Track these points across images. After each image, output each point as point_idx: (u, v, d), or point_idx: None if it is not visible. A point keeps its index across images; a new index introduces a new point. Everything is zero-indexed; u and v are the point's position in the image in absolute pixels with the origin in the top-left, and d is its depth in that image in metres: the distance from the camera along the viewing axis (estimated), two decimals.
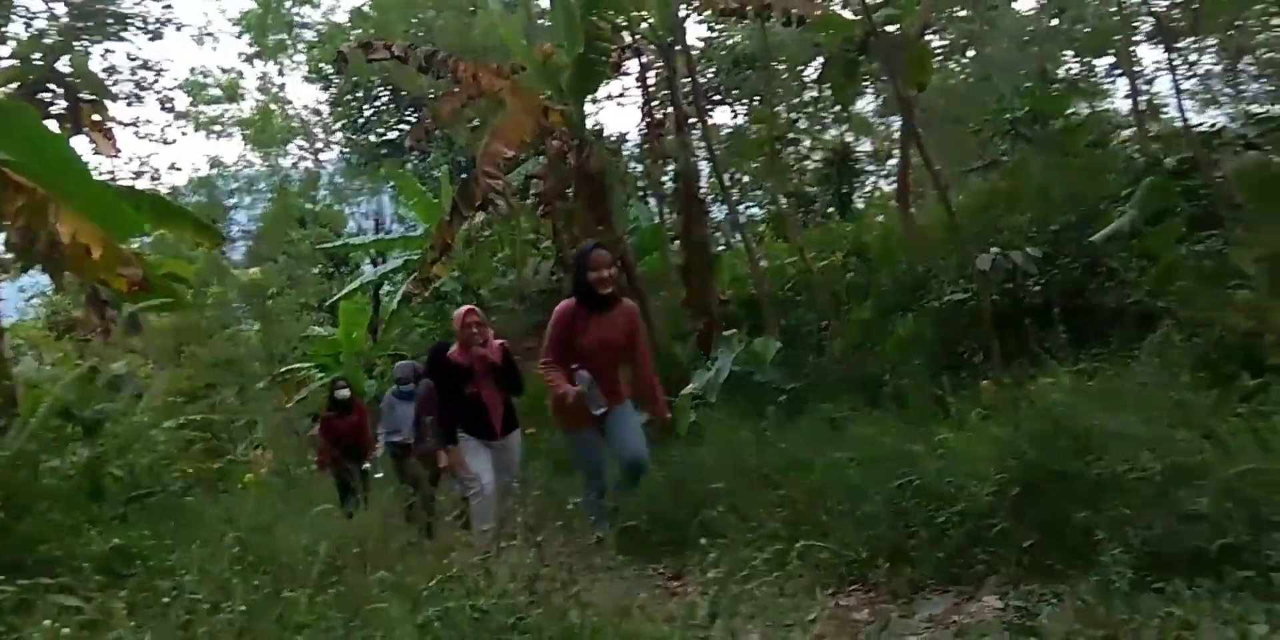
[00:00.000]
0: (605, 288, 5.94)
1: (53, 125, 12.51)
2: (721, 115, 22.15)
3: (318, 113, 32.94)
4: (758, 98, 20.11)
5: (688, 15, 13.77)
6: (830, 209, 19.89)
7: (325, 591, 3.41)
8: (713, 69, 20.39)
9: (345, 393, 11.35)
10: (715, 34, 21.16)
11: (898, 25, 11.29)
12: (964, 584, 4.16)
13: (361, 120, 27.91)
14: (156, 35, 23.61)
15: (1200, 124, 9.74)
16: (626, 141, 19.91)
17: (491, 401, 6.80)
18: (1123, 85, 20.58)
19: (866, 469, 5.02)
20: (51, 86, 13.82)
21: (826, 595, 4.26)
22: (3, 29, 19.81)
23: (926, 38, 13.96)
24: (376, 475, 10.67)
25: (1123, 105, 20.34)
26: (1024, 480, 4.01)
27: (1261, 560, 3.04)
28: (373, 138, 27.79)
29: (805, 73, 19.49)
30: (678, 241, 13.09)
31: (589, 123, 14.76)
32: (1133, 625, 2.94)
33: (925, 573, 4.31)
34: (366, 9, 27.84)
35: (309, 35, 31.31)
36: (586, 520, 5.72)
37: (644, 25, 11.91)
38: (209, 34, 41.87)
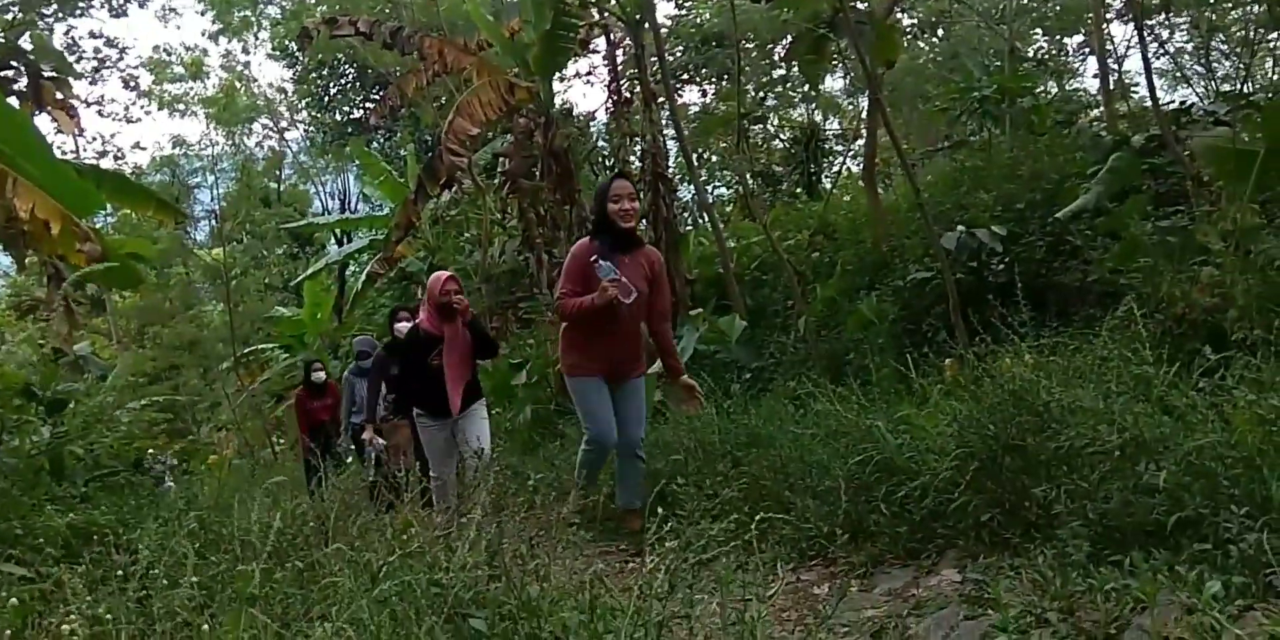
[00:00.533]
0: (628, 221, 5.57)
1: (14, 103, 12.32)
2: (690, 94, 22.12)
3: (283, 91, 32.73)
4: (726, 76, 20.06)
5: None
6: (798, 189, 19.93)
7: (282, 566, 3.37)
8: (681, 47, 20.32)
9: (321, 375, 11.28)
10: (684, 11, 21.10)
11: (866, 2, 11.25)
12: (923, 558, 4.18)
13: (327, 98, 27.70)
14: (120, 12, 23.35)
15: (1170, 102, 9.80)
16: (594, 120, 19.84)
17: (455, 373, 6.52)
18: (1093, 64, 20.72)
19: (828, 445, 5.02)
20: (14, 63, 13.61)
21: (787, 570, 4.27)
22: None
23: (896, 15, 13.93)
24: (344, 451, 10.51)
25: (1092, 84, 20.47)
26: (984, 455, 4.02)
27: (1218, 533, 3.05)
28: (338, 116, 27.58)
29: (774, 51, 19.42)
30: (645, 221, 13.05)
31: (556, 101, 14.70)
32: (1089, 597, 2.95)
33: (885, 547, 4.32)
34: None
35: (274, 12, 31.03)
36: (563, 483, 5.50)
37: (612, 2, 11.83)
38: (173, 11, 41.26)
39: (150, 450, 15.22)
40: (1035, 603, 3.06)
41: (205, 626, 2.64)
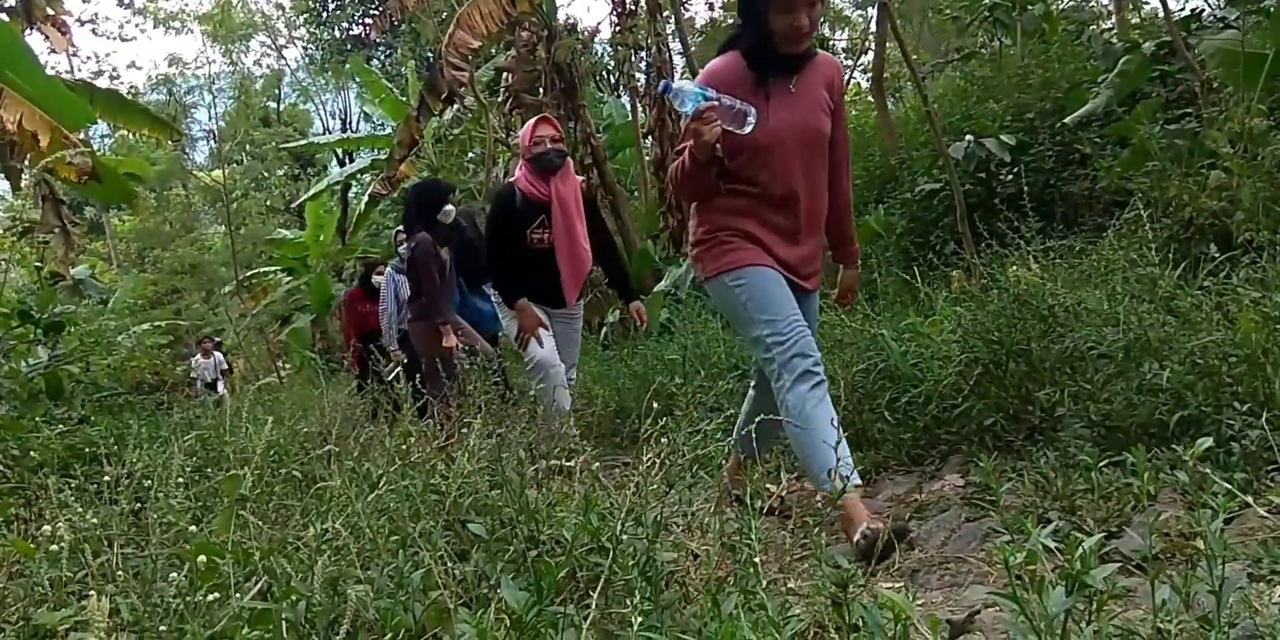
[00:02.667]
0: (800, 44, 3.26)
1: (4, 19, 12.10)
2: (697, 5, 21.70)
3: (280, 7, 32.13)
4: None
5: None
6: None
7: (276, 475, 3.36)
8: None
9: (381, 279, 9.24)
10: None
11: None
12: (926, 464, 4.18)
13: (325, 14, 27.17)
14: None
15: (1181, 10, 9.56)
16: (598, 35, 19.49)
17: (568, 250, 5.07)
18: None
19: (833, 356, 4.99)
20: None
21: (790, 479, 4.26)
22: None
23: None
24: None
25: None
26: (988, 360, 3.99)
27: (1220, 431, 3.02)
28: (337, 32, 27.10)
29: None
30: (651, 138, 12.86)
31: (560, 15, 14.40)
32: (1091, 497, 2.93)
33: (888, 454, 4.33)
34: None
35: None
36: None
37: None
38: None
39: (198, 356, 15.25)
40: (1037, 503, 3.05)
41: (193, 528, 2.61)
